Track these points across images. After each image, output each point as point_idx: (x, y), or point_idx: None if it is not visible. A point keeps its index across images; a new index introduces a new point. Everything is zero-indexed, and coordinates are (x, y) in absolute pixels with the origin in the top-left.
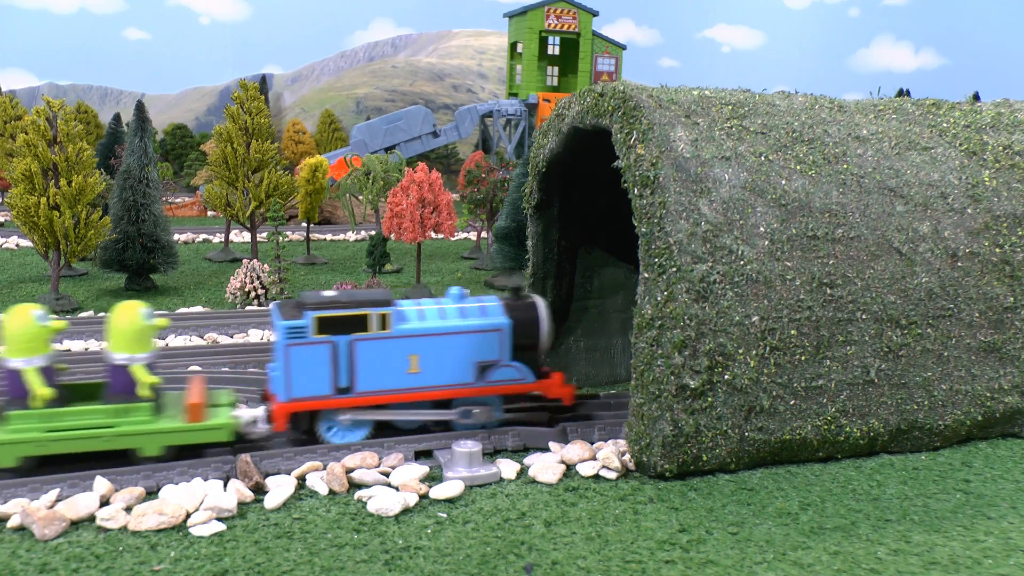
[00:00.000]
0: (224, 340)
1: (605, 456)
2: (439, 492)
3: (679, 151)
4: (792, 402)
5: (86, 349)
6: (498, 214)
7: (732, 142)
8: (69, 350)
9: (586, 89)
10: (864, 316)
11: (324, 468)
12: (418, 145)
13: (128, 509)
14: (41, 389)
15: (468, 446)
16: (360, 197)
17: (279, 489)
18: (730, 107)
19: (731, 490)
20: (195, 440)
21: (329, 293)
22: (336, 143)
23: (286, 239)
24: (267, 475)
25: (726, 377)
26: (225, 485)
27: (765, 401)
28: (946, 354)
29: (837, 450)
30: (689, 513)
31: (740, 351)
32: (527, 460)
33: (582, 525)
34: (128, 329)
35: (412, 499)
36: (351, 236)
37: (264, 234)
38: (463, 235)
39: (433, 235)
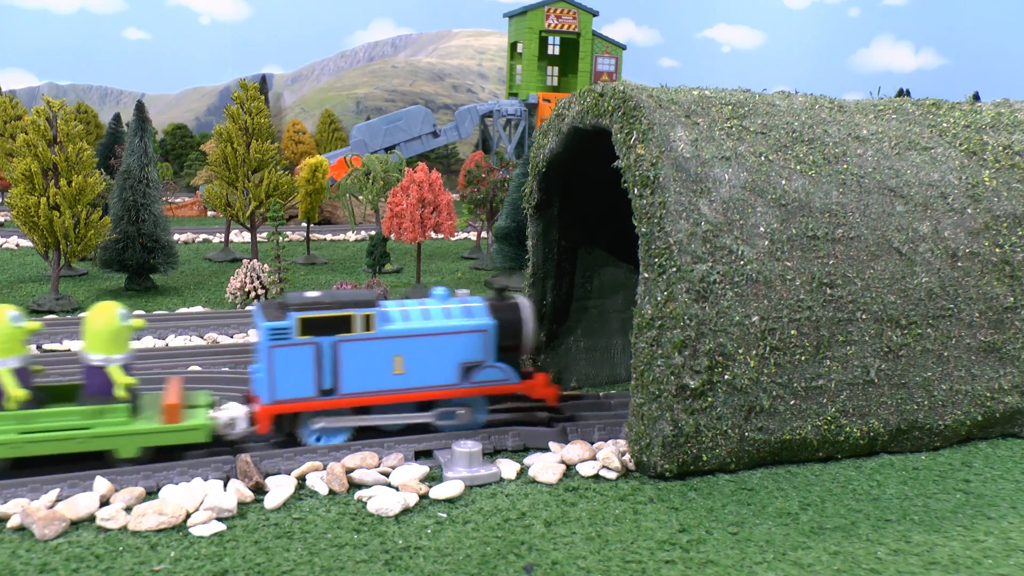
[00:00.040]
0: (224, 340)
1: (605, 456)
2: (439, 492)
3: (679, 151)
4: (792, 402)
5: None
6: (498, 214)
7: (732, 142)
8: (69, 350)
9: (586, 89)
10: (864, 316)
11: (324, 468)
12: (418, 145)
13: (128, 509)
14: (15, 391)
15: (468, 446)
16: (360, 197)
17: (279, 489)
18: (730, 107)
19: (731, 490)
20: (171, 441)
21: (312, 294)
22: (336, 143)
23: (286, 239)
24: (267, 475)
25: (726, 377)
26: (225, 485)
27: (765, 401)
28: (946, 354)
29: (837, 450)
30: (689, 513)
31: (740, 351)
32: (527, 460)
33: (582, 525)
34: (104, 330)
35: (412, 499)
36: (351, 236)
37: (264, 234)
38: (463, 235)
39: (433, 235)
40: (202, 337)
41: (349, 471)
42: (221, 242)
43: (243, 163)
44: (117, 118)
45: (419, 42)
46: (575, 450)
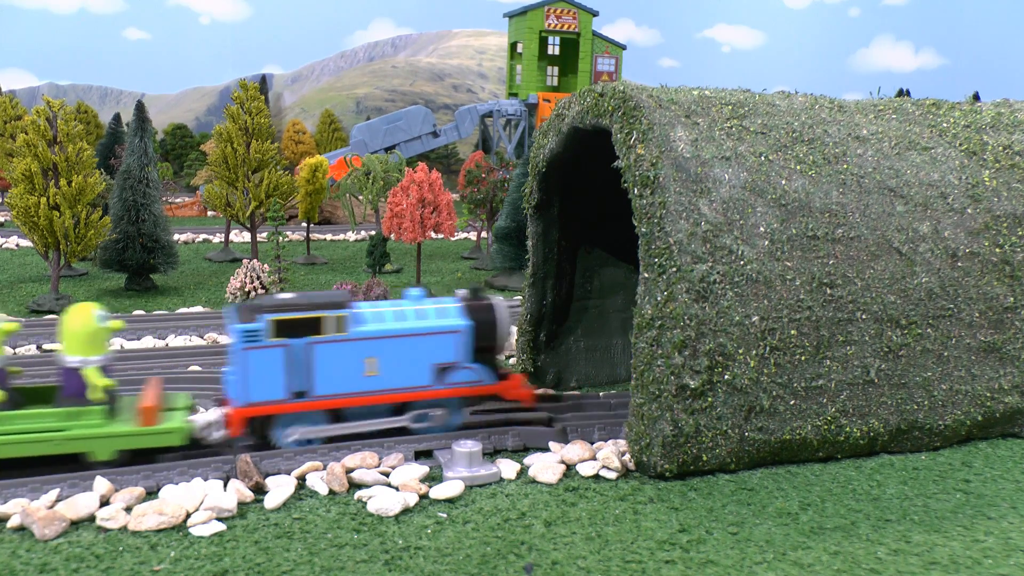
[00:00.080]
0: (224, 340)
1: (605, 456)
2: (439, 492)
3: (679, 151)
4: (792, 402)
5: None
6: (498, 214)
7: (732, 142)
8: None
9: (586, 89)
10: (864, 316)
11: (324, 468)
12: (418, 145)
13: (128, 509)
14: None
15: (468, 446)
16: (360, 197)
17: (279, 489)
18: (730, 107)
19: (731, 490)
20: (147, 444)
21: (285, 296)
22: (336, 143)
23: (286, 239)
24: (267, 475)
25: (726, 377)
26: (225, 485)
27: (765, 401)
28: (946, 354)
29: (837, 450)
30: (689, 513)
31: (740, 351)
32: (527, 460)
33: (582, 525)
34: (81, 331)
35: (412, 499)
36: (351, 236)
37: (264, 234)
38: (463, 235)
39: (433, 235)
40: (202, 337)
41: (349, 471)
42: (221, 242)
43: (243, 163)
44: (117, 118)
45: (419, 42)
46: (575, 450)
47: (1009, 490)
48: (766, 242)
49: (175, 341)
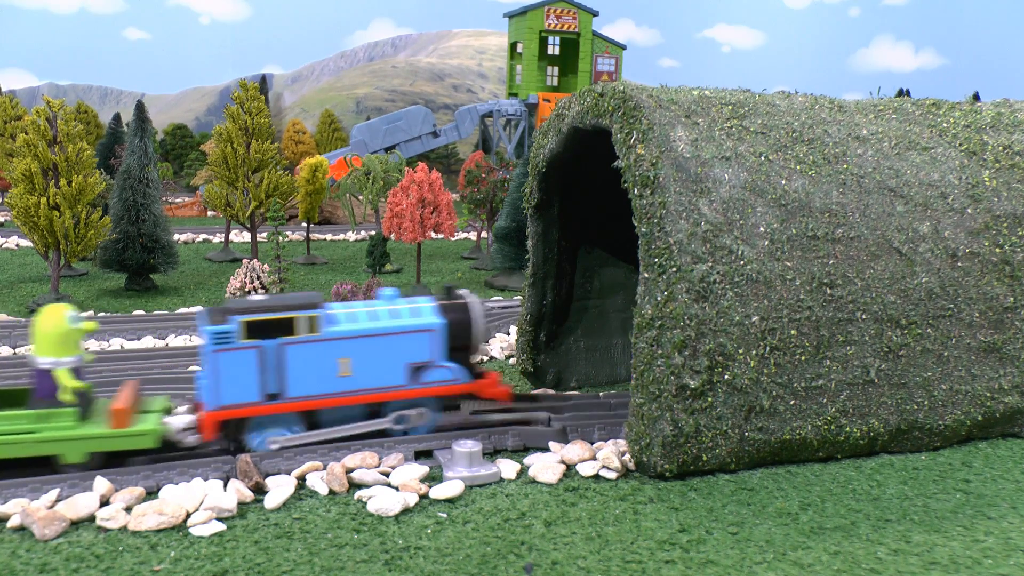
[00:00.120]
0: None
1: (605, 456)
2: (439, 492)
3: (679, 151)
4: (792, 402)
5: (86, 349)
6: (498, 214)
7: (732, 142)
8: None
9: (586, 89)
10: (864, 316)
11: (324, 468)
12: (418, 145)
13: (128, 509)
14: None
15: (468, 446)
16: (360, 197)
17: (279, 489)
18: (730, 107)
19: (731, 490)
20: (119, 447)
21: (257, 297)
22: (336, 143)
23: (286, 239)
24: (267, 475)
25: (726, 377)
26: (225, 485)
27: (765, 401)
28: (946, 354)
29: (837, 450)
30: (689, 513)
31: (740, 351)
32: (527, 460)
33: (582, 525)
34: (53, 332)
35: (412, 499)
36: (351, 236)
37: (264, 234)
38: (463, 235)
39: (433, 235)
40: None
41: (349, 471)
42: (221, 242)
43: (243, 163)
44: (117, 118)
45: (419, 42)
46: (575, 450)
47: (1009, 490)
48: (766, 242)
49: (175, 341)
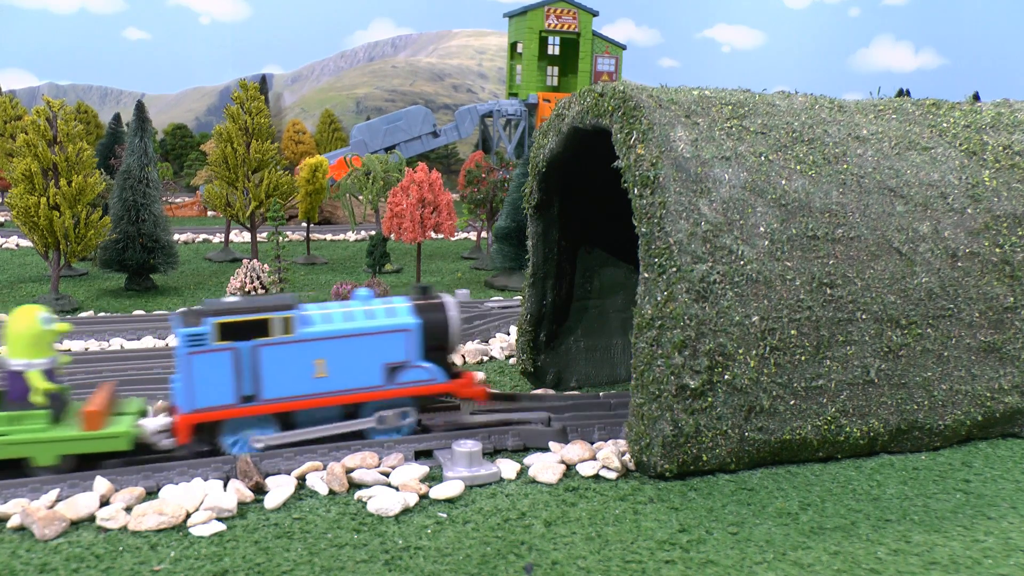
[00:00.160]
0: None
1: (605, 456)
2: (439, 492)
3: (679, 151)
4: (792, 402)
5: (86, 349)
6: (498, 214)
7: (732, 142)
8: (69, 350)
9: (586, 89)
10: (864, 316)
11: (324, 468)
12: (418, 145)
13: (128, 509)
14: None
15: (468, 446)
16: (360, 197)
17: (279, 489)
18: (730, 107)
19: (731, 490)
20: (91, 449)
21: (231, 299)
22: (336, 143)
23: (286, 239)
24: (267, 475)
25: (726, 377)
26: (225, 485)
27: (765, 401)
28: (946, 354)
29: (837, 450)
30: (689, 513)
31: (740, 351)
32: (527, 460)
33: (582, 525)
34: (25, 334)
35: (412, 499)
36: (351, 236)
37: (264, 234)
38: (463, 235)
39: (433, 235)
40: None
41: (349, 471)
42: (221, 242)
43: (243, 163)
44: (117, 118)
45: (419, 42)
46: (575, 450)
47: (1009, 490)
48: (766, 242)
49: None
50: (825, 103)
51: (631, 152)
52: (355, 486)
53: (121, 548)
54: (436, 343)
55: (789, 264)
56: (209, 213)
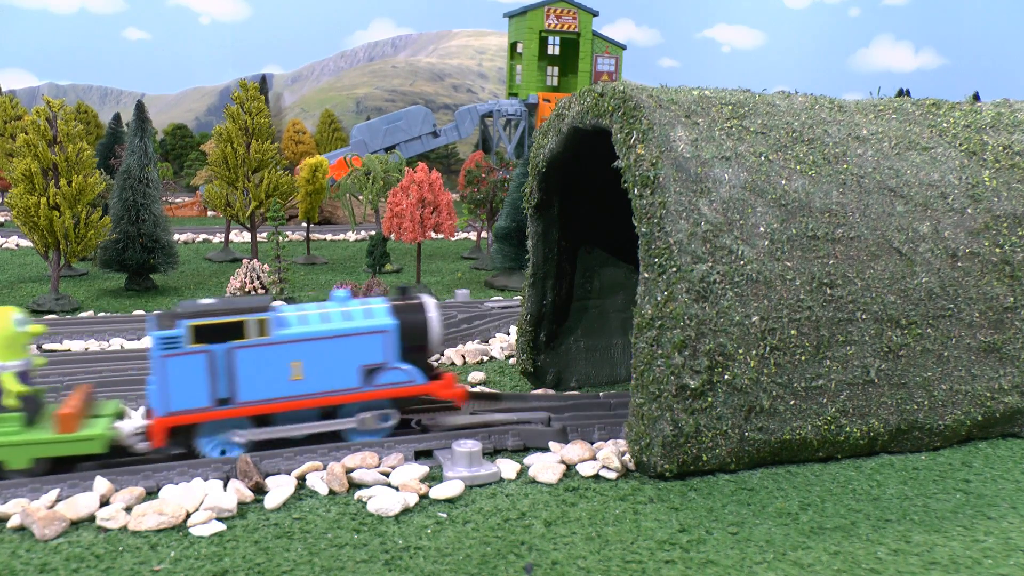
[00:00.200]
0: None
1: (605, 456)
2: (439, 492)
3: (679, 151)
4: (792, 402)
5: (86, 349)
6: (498, 214)
7: (732, 142)
8: (69, 350)
9: (586, 89)
10: (864, 316)
11: (324, 468)
12: (418, 145)
13: (128, 509)
14: None
15: (468, 446)
16: (360, 197)
17: (279, 489)
18: (730, 107)
19: (731, 490)
20: (65, 452)
21: (206, 301)
22: (336, 143)
23: (286, 239)
24: (267, 475)
25: (726, 377)
26: (225, 485)
27: (765, 401)
28: (946, 354)
29: (837, 450)
30: (689, 513)
31: (740, 351)
32: (527, 460)
33: (582, 525)
34: None
35: (412, 499)
36: (351, 236)
37: (264, 234)
38: (463, 235)
39: (433, 235)
40: None
41: (349, 471)
42: (221, 242)
43: (243, 163)
44: (117, 118)
45: (419, 42)
46: (575, 450)
47: (1009, 490)
48: (766, 242)
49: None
50: (825, 103)
51: (631, 152)
52: (355, 486)
53: (121, 548)
54: (415, 344)
55: (789, 264)
56: (209, 213)
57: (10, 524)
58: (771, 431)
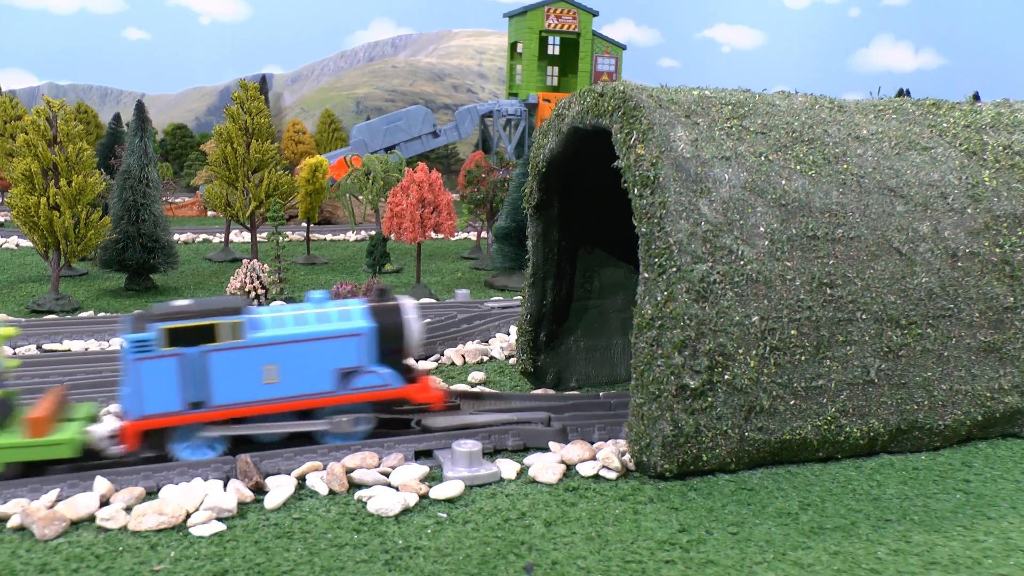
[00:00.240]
0: None
1: (605, 456)
2: (439, 492)
3: (679, 151)
4: (792, 402)
5: (86, 349)
6: (498, 214)
7: (732, 142)
8: (69, 350)
9: (586, 89)
10: (864, 316)
11: (324, 468)
12: (418, 145)
13: (128, 509)
14: None
15: (468, 446)
16: (360, 197)
17: (279, 489)
18: (730, 107)
19: (731, 490)
20: (35, 456)
21: (180, 303)
22: (336, 143)
23: (286, 239)
24: (267, 475)
25: (726, 377)
26: (225, 485)
27: (765, 401)
28: (946, 354)
29: (837, 450)
30: (689, 513)
31: (740, 351)
32: (527, 460)
33: (582, 525)
34: None
35: (412, 499)
36: (351, 236)
37: (264, 234)
38: (463, 235)
39: (433, 235)
40: None
41: (349, 471)
42: (221, 242)
43: (243, 163)
44: (117, 118)
45: (419, 42)
46: (575, 450)
47: (1009, 490)
48: (766, 242)
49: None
50: (825, 103)
51: (631, 152)
52: (355, 486)
53: (121, 548)
54: (392, 347)
55: (789, 264)
56: (209, 213)
57: (10, 524)
58: (771, 431)
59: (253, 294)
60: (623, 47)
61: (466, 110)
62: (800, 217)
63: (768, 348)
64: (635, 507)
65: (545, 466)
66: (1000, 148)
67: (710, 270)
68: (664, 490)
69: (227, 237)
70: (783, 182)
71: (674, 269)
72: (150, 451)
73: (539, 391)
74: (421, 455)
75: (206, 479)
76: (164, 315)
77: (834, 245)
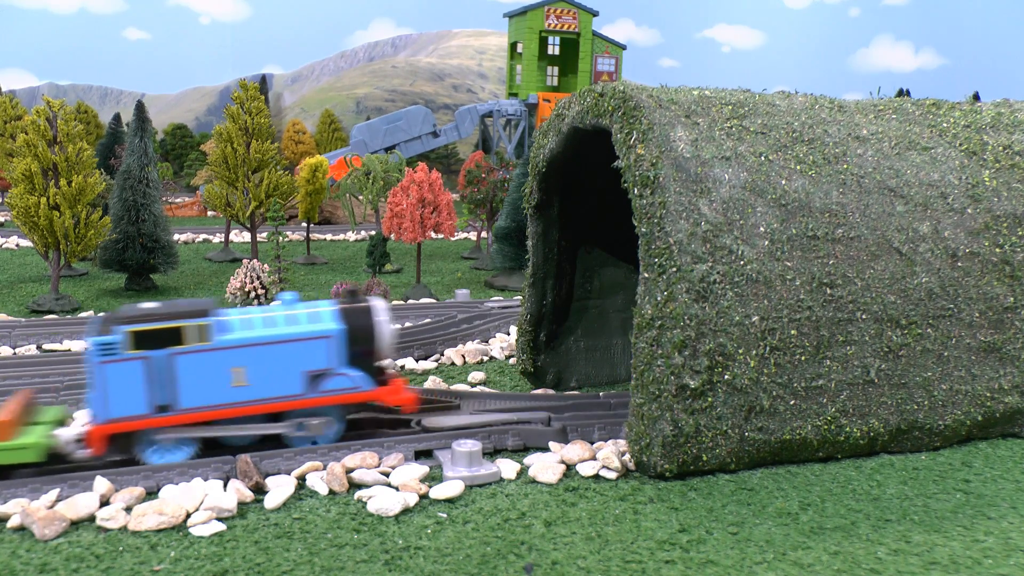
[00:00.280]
0: None
1: (605, 456)
2: (439, 492)
3: (679, 151)
4: (792, 402)
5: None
6: (498, 214)
7: (732, 142)
8: (69, 350)
9: (586, 89)
10: (864, 316)
11: (324, 468)
12: (418, 145)
13: (128, 509)
14: None
15: (468, 446)
16: (360, 197)
17: (279, 489)
18: (730, 107)
19: (731, 490)
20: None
21: (148, 305)
22: (336, 143)
23: (286, 239)
24: (267, 475)
25: (726, 377)
26: (225, 485)
27: (765, 401)
28: (946, 354)
29: (837, 450)
30: (689, 513)
31: (740, 351)
32: (527, 460)
33: (582, 525)
34: None
35: (412, 499)
36: (351, 236)
37: (264, 234)
38: (463, 235)
39: (433, 235)
40: None
41: (349, 471)
42: (221, 242)
43: (243, 163)
44: (117, 118)
45: (419, 42)
46: (575, 450)
47: (1009, 490)
48: (766, 242)
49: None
50: (825, 103)
51: (631, 152)
52: (355, 486)
53: (121, 548)
54: (363, 349)
55: (789, 264)
56: (209, 213)
57: (10, 524)
58: (771, 431)
59: (253, 294)
60: (623, 47)
61: (466, 110)
62: (800, 217)
63: (768, 348)
64: (635, 507)
65: (545, 466)
66: (1000, 148)
67: (710, 270)
68: (664, 490)
69: (227, 237)
70: (783, 182)
71: (674, 269)
72: (117, 455)
73: (539, 391)
74: (421, 455)
75: (206, 479)
76: (130, 317)
77: (834, 245)
